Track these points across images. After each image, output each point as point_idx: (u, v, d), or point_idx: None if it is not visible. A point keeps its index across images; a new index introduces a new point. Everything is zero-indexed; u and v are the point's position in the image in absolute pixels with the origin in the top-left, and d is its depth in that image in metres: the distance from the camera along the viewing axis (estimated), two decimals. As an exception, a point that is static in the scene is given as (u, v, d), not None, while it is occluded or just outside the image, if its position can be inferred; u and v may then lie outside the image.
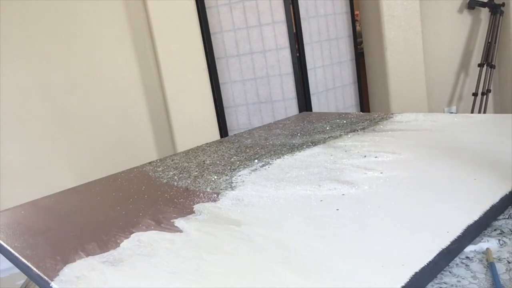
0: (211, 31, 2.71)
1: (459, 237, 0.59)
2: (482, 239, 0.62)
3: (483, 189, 0.73)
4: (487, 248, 0.59)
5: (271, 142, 1.28)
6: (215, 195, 0.90)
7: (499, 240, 0.61)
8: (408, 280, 0.51)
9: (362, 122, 1.36)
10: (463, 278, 0.54)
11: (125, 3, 2.55)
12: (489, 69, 3.03)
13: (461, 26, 3.15)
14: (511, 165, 0.82)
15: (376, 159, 0.98)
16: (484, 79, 3.04)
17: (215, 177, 1.02)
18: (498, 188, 0.72)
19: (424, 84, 2.96)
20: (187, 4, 2.54)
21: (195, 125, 2.67)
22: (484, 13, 3.15)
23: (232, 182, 0.96)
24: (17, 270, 1.27)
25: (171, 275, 0.60)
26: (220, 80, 2.78)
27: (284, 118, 1.65)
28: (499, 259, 0.56)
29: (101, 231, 0.79)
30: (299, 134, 1.33)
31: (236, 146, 1.30)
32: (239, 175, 1.00)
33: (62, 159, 2.53)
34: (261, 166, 1.05)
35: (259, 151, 1.20)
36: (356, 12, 3.10)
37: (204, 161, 1.19)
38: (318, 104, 2.91)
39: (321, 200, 0.79)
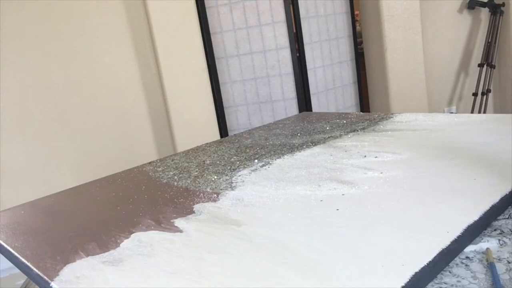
0: (211, 31, 2.71)
1: (459, 237, 0.59)
2: (482, 239, 0.62)
3: (483, 189, 0.73)
4: (487, 248, 0.59)
5: (271, 142, 1.28)
6: (215, 195, 0.90)
7: (499, 240, 0.61)
8: (408, 280, 0.51)
9: (362, 122, 1.36)
10: (463, 278, 0.54)
11: (125, 3, 2.55)
12: (489, 69, 3.03)
13: (461, 26, 3.15)
14: (511, 165, 0.82)
15: (376, 159, 0.98)
16: (484, 79, 3.04)
17: (215, 177, 1.02)
18: (498, 188, 0.72)
19: (424, 84, 2.96)
20: (187, 4, 2.54)
21: (195, 125, 2.67)
22: (484, 13, 3.15)
23: (232, 182, 0.96)
24: (17, 270, 1.27)
25: (171, 275, 0.60)
26: (220, 80, 2.78)
27: (284, 118, 1.65)
28: (499, 259, 0.56)
29: (101, 231, 0.79)
30: (299, 134, 1.33)
31: (236, 146, 1.30)
32: (239, 175, 1.00)
33: (62, 159, 2.53)
34: (261, 166, 1.05)
35: (259, 151, 1.20)
36: (356, 12, 3.10)
37: (204, 161, 1.19)
38: (318, 104, 2.91)
39: (321, 200, 0.79)
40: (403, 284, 0.50)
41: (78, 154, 2.55)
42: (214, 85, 2.75)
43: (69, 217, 0.90)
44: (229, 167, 1.08)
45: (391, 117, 1.37)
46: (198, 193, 0.93)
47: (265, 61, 2.75)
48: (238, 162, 1.12)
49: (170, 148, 2.77)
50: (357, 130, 1.27)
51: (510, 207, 0.70)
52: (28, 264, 0.71)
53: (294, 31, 2.73)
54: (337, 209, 0.74)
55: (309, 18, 2.78)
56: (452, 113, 3.24)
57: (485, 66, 3.05)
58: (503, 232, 0.63)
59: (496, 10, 3.03)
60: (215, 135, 2.72)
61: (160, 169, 1.18)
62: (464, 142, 1.01)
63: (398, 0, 2.80)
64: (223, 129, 2.82)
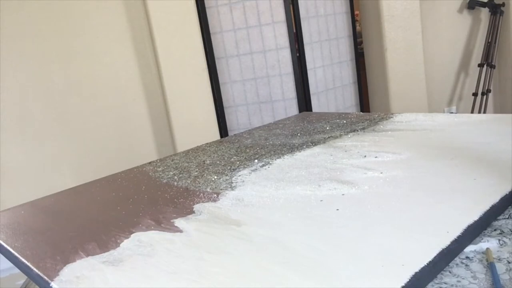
0: (211, 31, 2.71)
1: (459, 237, 0.59)
2: (482, 239, 0.62)
3: (483, 189, 0.73)
4: (487, 248, 0.59)
5: (271, 142, 1.28)
6: (215, 195, 0.90)
7: (499, 240, 0.61)
8: (408, 280, 0.51)
9: (362, 122, 1.36)
10: (463, 278, 0.54)
11: (125, 3, 2.55)
12: (489, 69, 3.03)
13: (461, 26, 3.15)
14: (511, 165, 0.82)
15: (376, 159, 0.98)
16: (484, 79, 3.04)
17: (215, 177, 1.02)
18: (498, 188, 0.72)
19: (424, 84, 2.96)
20: (187, 4, 2.54)
21: (195, 125, 2.67)
22: (484, 13, 3.15)
23: (232, 182, 0.96)
24: (17, 270, 1.27)
25: (171, 275, 0.60)
26: (220, 80, 2.78)
27: (284, 118, 1.65)
28: (499, 259, 0.56)
29: (101, 231, 0.79)
30: (299, 134, 1.33)
31: (236, 146, 1.30)
32: (239, 175, 1.00)
33: (62, 159, 2.53)
34: (261, 166, 1.05)
35: (259, 151, 1.20)
36: (356, 12, 3.10)
37: (204, 161, 1.19)
38: (318, 104, 2.91)
39: (321, 200, 0.79)
40: (403, 284, 0.50)
41: (78, 154, 2.55)
42: (214, 85, 2.75)
43: (69, 217, 0.90)
44: (229, 167, 1.08)
45: (391, 117, 1.37)
46: (198, 193, 0.93)
47: (265, 61, 2.75)
48: (238, 162, 1.12)
49: (170, 148, 2.77)
50: (357, 130, 1.27)
51: (510, 207, 0.70)
52: (28, 264, 0.71)
53: (294, 31, 2.73)
54: (337, 209, 0.74)
55: (309, 18, 2.78)
56: (452, 113, 3.24)
57: (485, 66, 3.05)
58: (503, 232, 0.63)
59: (496, 10, 3.03)
60: (215, 135, 2.72)
61: (160, 169, 1.18)
62: (464, 142, 1.01)
63: (398, 0, 2.80)
64: (223, 129, 2.82)
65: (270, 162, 1.07)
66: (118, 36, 2.56)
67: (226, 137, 1.45)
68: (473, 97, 3.08)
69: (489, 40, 3.04)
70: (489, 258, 0.56)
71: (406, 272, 0.52)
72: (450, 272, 0.55)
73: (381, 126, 1.27)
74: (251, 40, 2.72)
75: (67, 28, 2.45)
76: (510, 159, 0.85)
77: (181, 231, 0.74)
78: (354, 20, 3.01)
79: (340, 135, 1.24)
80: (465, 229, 0.60)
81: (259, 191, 0.88)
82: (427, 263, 0.54)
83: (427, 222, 0.64)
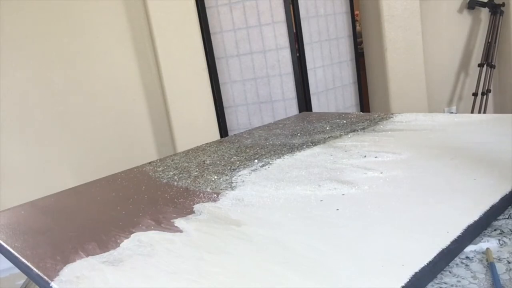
0: (211, 31, 2.71)
1: (459, 237, 0.59)
2: (482, 239, 0.62)
3: (483, 189, 0.73)
4: (487, 248, 0.59)
5: (271, 142, 1.28)
6: (215, 195, 0.90)
7: (499, 240, 0.61)
8: (408, 280, 0.51)
9: (362, 122, 1.36)
10: (463, 278, 0.54)
11: (125, 3, 2.55)
12: (489, 69, 3.03)
13: (461, 26, 3.15)
14: (511, 165, 0.82)
15: (376, 159, 0.98)
16: (484, 79, 3.04)
17: (215, 177, 1.02)
18: (498, 188, 0.72)
19: (424, 84, 2.96)
20: (187, 4, 2.54)
21: (195, 125, 2.67)
22: (484, 13, 3.15)
23: (232, 182, 0.96)
24: (17, 270, 1.27)
25: (171, 275, 0.60)
26: (220, 80, 2.78)
27: (284, 118, 1.65)
28: (499, 259, 0.56)
29: (101, 231, 0.79)
30: (299, 134, 1.33)
31: (236, 146, 1.30)
32: (239, 175, 1.00)
33: (62, 159, 2.53)
34: (261, 166, 1.05)
35: (259, 151, 1.20)
36: (356, 12, 3.10)
37: (204, 161, 1.19)
38: (318, 104, 2.91)
39: (321, 200, 0.79)
40: (403, 284, 0.50)
41: (78, 154, 2.55)
42: (214, 85, 2.75)
43: (69, 217, 0.90)
44: (229, 167, 1.08)
45: (391, 117, 1.37)
46: (198, 193, 0.93)
47: (265, 61, 2.75)
48: (238, 162, 1.12)
49: (170, 148, 2.77)
50: (357, 130, 1.27)
51: (510, 207, 0.70)
52: (28, 264, 0.71)
53: (294, 31, 2.73)
54: (337, 209, 0.74)
55: (309, 18, 2.78)
56: (452, 113, 3.24)
57: (485, 66, 3.05)
58: (503, 232, 0.63)
59: (496, 10, 3.03)
60: (215, 135, 2.72)
61: (160, 169, 1.18)
62: (464, 142, 1.01)
63: (398, 0, 2.80)
64: (223, 129, 2.82)
65: (270, 162, 1.07)
66: (118, 36, 2.56)
67: (226, 137, 1.45)
68: (473, 97, 3.08)
69: (489, 40, 3.04)
70: (489, 258, 0.56)
71: (406, 272, 0.53)
72: (450, 272, 0.55)
73: (381, 126, 1.27)
74: (251, 40, 2.72)
75: (67, 28, 2.45)
76: (510, 159, 0.85)
77: (181, 231, 0.74)
78: (354, 20, 3.01)
79: (340, 135, 1.24)
80: (465, 229, 0.60)
81: (259, 191, 0.88)
82: (427, 263, 0.54)
83: (427, 222, 0.64)
